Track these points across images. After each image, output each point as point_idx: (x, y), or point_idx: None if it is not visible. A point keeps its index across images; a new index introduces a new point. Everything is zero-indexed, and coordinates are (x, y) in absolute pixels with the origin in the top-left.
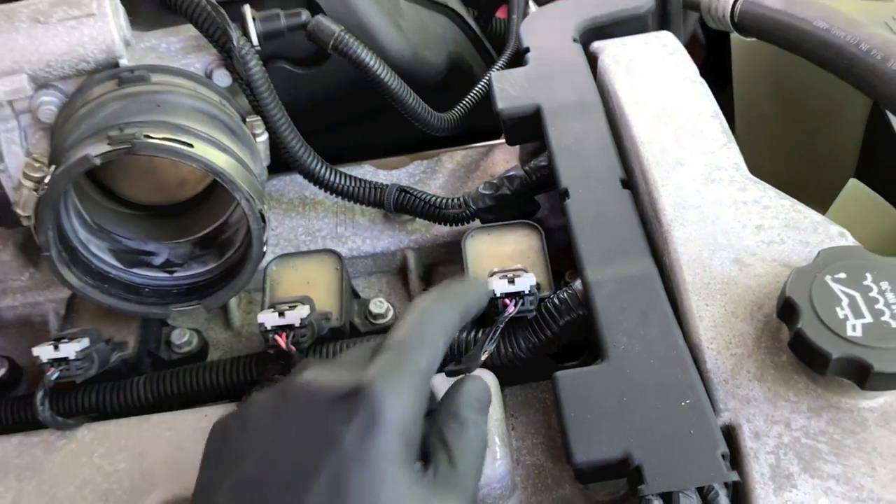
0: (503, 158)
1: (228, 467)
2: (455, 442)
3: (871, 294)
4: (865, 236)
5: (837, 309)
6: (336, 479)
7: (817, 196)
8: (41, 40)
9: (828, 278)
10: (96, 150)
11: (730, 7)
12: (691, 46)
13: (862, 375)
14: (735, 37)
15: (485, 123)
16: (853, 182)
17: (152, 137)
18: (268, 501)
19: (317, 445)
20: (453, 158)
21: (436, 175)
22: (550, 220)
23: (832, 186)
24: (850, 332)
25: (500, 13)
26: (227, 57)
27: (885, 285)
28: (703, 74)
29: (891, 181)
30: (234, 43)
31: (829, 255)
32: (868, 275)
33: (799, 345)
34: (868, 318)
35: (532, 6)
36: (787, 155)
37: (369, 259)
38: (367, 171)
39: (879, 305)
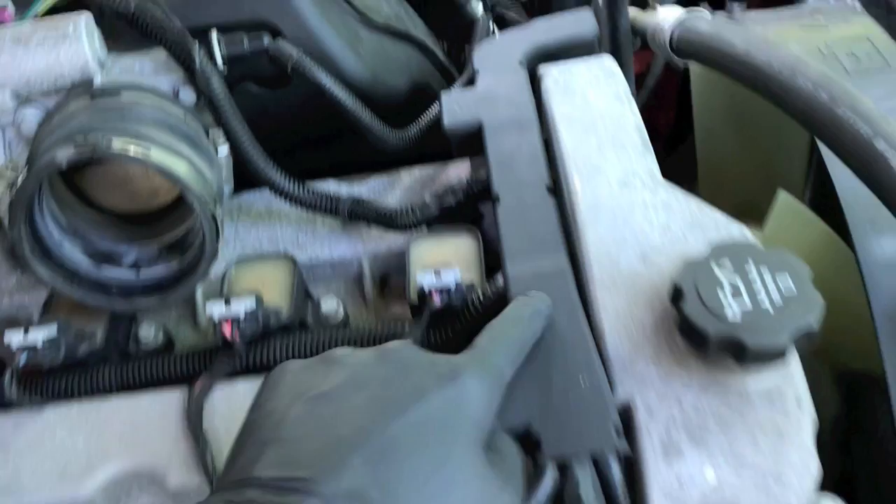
0: (457, 174)
1: (305, 389)
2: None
3: (752, 280)
4: (796, 245)
5: (719, 293)
6: (416, 427)
7: None
8: (22, 59)
9: (713, 266)
10: (62, 154)
11: (668, 35)
12: (667, 72)
13: (738, 353)
14: (693, 63)
15: (444, 147)
16: (783, 195)
17: (114, 143)
18: (344, 419)
19: (407, 392)
20: (411, 174)
21: (394, 189)
22: (493, 230)
23: None
24: (728, 314)
25: None
26: (192, 76)
27: (765, 272)
28: (680, 98)
29: (828, 196)
30: (197, 63)
31: (718, 248)
32: (751, 263)
33: (684, 326)
34: (746, 301)
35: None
36: (744, 175)
37: (328, 266)
38: (331, 185)
39: (757, 289)
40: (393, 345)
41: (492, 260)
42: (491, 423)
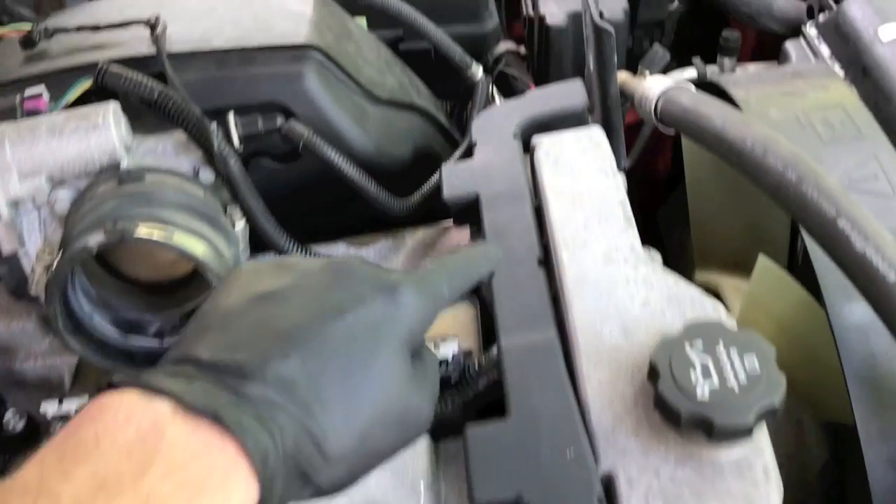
0: (458, 238)
1: (253, 288)
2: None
3: (721, 360)
4: (776, 308)
5: (691, 372)
6: (350, 328)
7: None
8: (56, 148)
9: (686, 346)
10: (94, 240)
11: (653, 105)
12: None
13: (708, 430)
14: None
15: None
16: (762, 260)
17: (140, 229)
18: (284, 316)
19: (347, 298)
20: (414, 237)
21: (398, 252)
22: (490, 291)
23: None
24: (698, 393)
25: None
26: (210, 156)
27: (733, 353)
28: (676, 141)
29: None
30: (215, 146)
31: (691, 327)
32: (721, 343)
33: (659, 403)
34: (715, 381)
35: (498, 99)
36: (732, 230)
37: None
38: (340, 248)
39: (726, 370)
40: (342, 257)
41: (489, 320)
42: (421, 335)
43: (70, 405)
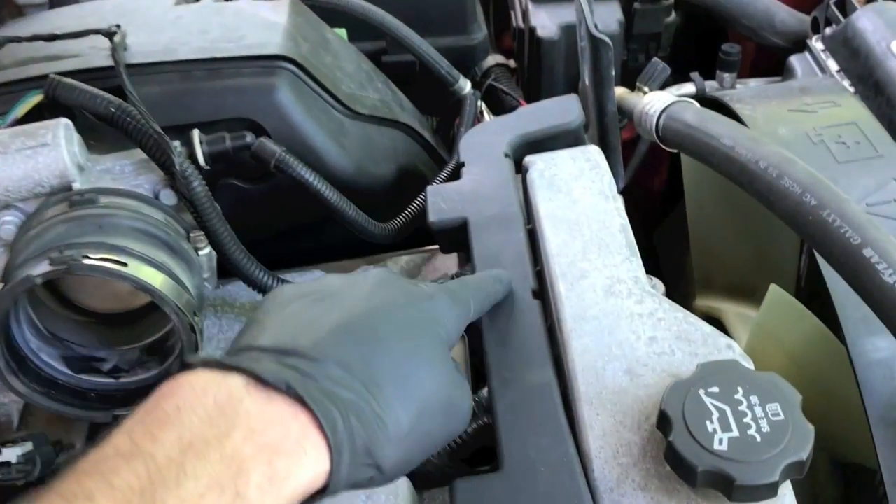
0: (444, 264)
1: (301, 295)
2: None
3: (741, 408)
4: (788, 339)
5: (707, 422)
6: (396, 324)
7: None
8: (0, 168)
9: (701, 392)
10: (38, 270)
11: (654, 122)
12: None
13: (727, 487)
14: None
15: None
16: (773, 289)
17: (89, 258)
18: (336, 313)
19: (389, 301)
20: (398, 263)
21: None
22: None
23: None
24: (716, 446)
25: None
26: (172, 177)
27: (754, 399)
28: (673, 158)
29: (822, 283)
30: (177, 166)
31: (705, 370)
32: (740, 389)
33: (671, 456)
34: (735, 432)
35: (487, 116)
36: (736, 255)
37: None
38: (316, 275)
39: (747, 419)
40: (374, 269)
41: (478, 354)
42: (453, 343)
43: (10, 453)
